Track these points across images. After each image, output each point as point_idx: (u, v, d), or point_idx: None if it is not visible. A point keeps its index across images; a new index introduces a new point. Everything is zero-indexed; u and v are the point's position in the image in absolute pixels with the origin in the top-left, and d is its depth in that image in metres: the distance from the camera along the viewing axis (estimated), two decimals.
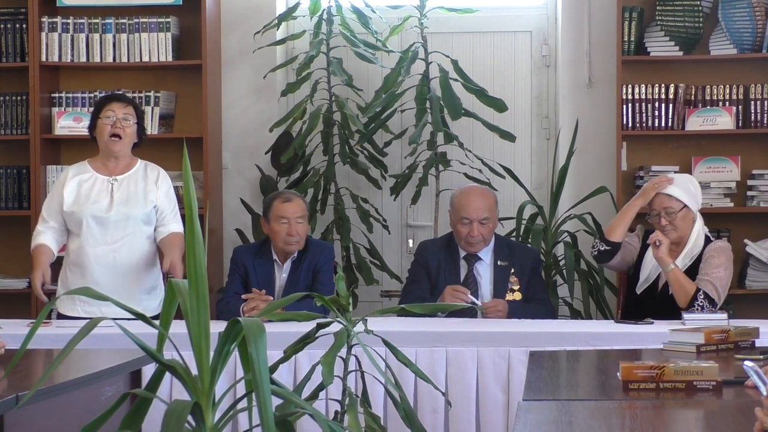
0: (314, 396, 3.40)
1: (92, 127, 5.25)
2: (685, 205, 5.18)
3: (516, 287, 5.33)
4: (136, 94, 6.28)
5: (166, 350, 2.67)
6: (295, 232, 5.27)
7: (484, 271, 5.38)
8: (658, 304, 5.14)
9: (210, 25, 6.30)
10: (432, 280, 5.38)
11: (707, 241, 5.25)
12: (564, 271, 6.07)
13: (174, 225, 5.22)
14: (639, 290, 5.25)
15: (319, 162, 6.41)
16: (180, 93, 6.50)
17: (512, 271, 5.36)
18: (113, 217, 5.14)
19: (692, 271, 5.17)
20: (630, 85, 6.20)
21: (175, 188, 5.47)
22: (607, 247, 5.27)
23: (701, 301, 5.02)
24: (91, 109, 6.23)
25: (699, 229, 5.24)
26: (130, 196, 5.18)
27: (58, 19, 6.32)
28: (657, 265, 5.22)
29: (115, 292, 4.80)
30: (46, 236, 5.16)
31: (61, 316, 5.17)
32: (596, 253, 5.32)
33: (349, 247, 6.30)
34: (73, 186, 5.17)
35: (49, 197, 5.29)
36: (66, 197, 5.15)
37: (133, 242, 5.16)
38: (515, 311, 5.23)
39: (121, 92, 6.08)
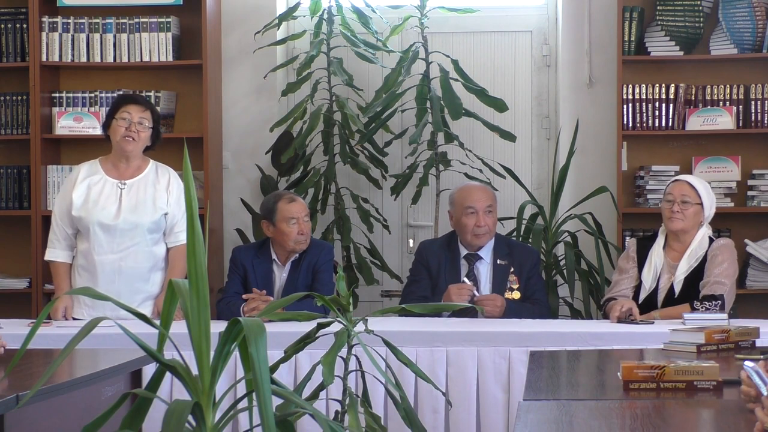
0: (315, 396, 3.40)
1: (107, 125, 5.24)
2: (701, 204, 5.19)
3: (515, 286, 5.33)
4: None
5: (166, 350, 2.67)
6: (304, 230, 5.30)
7: (485, 270, 5.38)
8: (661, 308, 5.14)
9: (210, 25, 6.30)
10: (433, 279, 5.39)
11: (710, 241, 5.25)
12: (564, 271, 6.07)
13: (185, 234, 5.18)
14: (640, 300, 5.22)
15: (319, 162, 6.41)
16: (180, 93, 6.50)
17: (512, 270, 5.36)
18: (120, 226, 5.12)
19: (697, 273, 5.16)
20: (630, 85, 6.20)
21: None
22: None
23: (704, 306, 5.01)
24: (92, 109, 6.26)
25: (704, 232, 5.24)
26: (139, 203, 5.16)
27: (59, 19, 6.32)
28: (655, 275, 5.21)
29: (120, 299, 4.80)
30: (61, 250, 5.19)
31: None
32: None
33: (349, 247, 6.30)
34: (82, 189, 5.17)
35: (60, 197, 5.28)
36: (75, 200, 5.15)
37: (139, 251, 5.15)
38: (511, 310, 5.23)
39: (139, 94, 6.05)
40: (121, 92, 6.18)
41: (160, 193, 5.20)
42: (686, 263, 5.18)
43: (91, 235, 5.12)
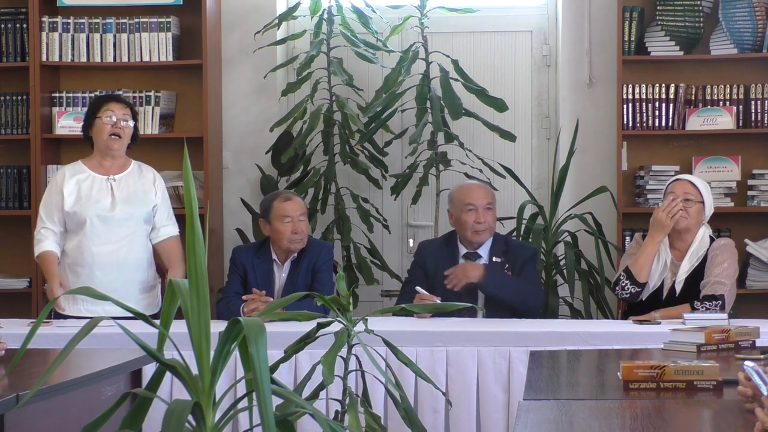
0: (315, 396, 3.40)
1: (87, 126, 5.25)
2: (703, 202, 5.19)
3: None
4: (136, 94, 6.28)
5: (166, 350, 2.67)
6: (299, 229, 5.30)
7: None
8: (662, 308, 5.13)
9: (210, 24, 6.30)
10: (429, 279, 5.38)
11: (710, 241, 5.24)
12: (564, 270, 6.06)
13: (170, 228, 5.29)
14: (644, 298, 5.22)
15: (319, 162, 6.41)
16: (180, 93, 6.50)
17: (506, 266, 5.36)
18: (117, 216, 5.15)
19: (698, 272, 5.16)
20: (630, 85, 6.20)
21: (176, 188, 5.48)
22: (638, 289, 5.18)
23: (704, 306, 5.00)
24: None
25: (705, 231, 5.24)
26: (131, 194, 5.20)
27: (59, 19, 6.32)
28: (662, 273, 5.20)
29: (115, 290, 4.84)
30: (49, 241, 5.16)
31: (61, 316, 5.16)
32: (627, 295, 5.18)
33: (349, 246, 6.30)
34: (72, 186, 5.18)
35: (47, 198, 5.27)
36: (66, 197, 5.15)
37: (135, 241, 5.18)
38: (491, 273, 5.21)
39: (117, 93, 6.08)
40: (116, 93, 6.17)
41: (149, 187, 5.25)
42: (688, 263, 5.18)
43: (87, 228, 5.12)
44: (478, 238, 5.37)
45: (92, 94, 6.35)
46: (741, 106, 6.21)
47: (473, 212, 5.36)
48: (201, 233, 2.61)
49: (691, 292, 5.13)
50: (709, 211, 5.26)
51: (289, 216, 5.30)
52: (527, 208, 6.25)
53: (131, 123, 5.22)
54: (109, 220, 5.14)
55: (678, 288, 5.17)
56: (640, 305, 5.19)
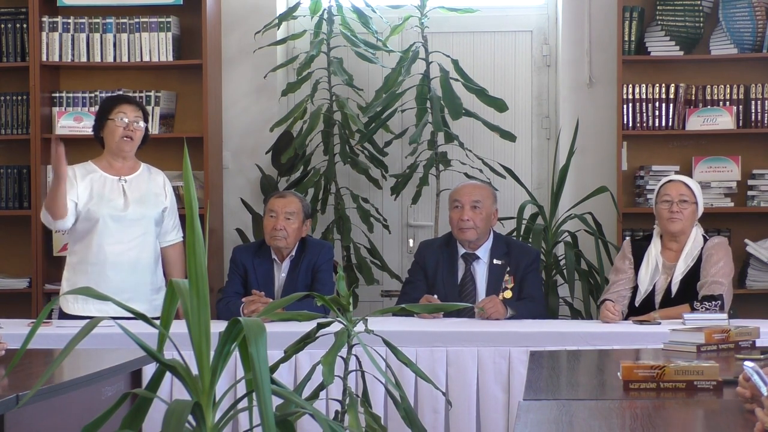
0: (315, 396, 3.40)
1: (99, 127, 5.24)
2: (696, 203, 5.19)
3: (509, 285, 5.30)
4: (136, 94, 6.28)
5: (166, 350, 2.67)
6: (281, 226, 5.26)
7: (481, 270, 5.37)
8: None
9: (210, 24, 6.30)
10: (429, 279, 5.38)
11: (703, 240, 5.25)
12: (564, 270, 6.07)
13: (175, 234, 5.31)
14: (637, 303, 5.22)
15: (319, 162, 6.41)
16: (180, 93, 6.50)
17: (508, 269, 5.35)
18: (130, 216, 5.15)
19: (694, 272, 5.16)
20: (630, 85, 6.20)
21: (176, 188, 5.48)
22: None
23: (704, 307, 5.00)
24: (92, 108, 6.25)
25: (697, 231, 5.25)
26: (143, 195, 5.20)
27: (59, 19, 6.32)
28: (653, 277, 5.20)
29: (127, 290, 4.86)
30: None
31: (66, 316, 5.14)
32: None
33: (349, 246, 6.30)
34: (86, 183, 5.17)
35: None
36: (81, 193, 5.14)
37: (146, 241, 5.19)
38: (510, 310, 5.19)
39: (127, 93, 6.07)
40: (127, 94, 6.16)
41: (159, 190, 5.26)
42: (683, 263, 5.18)
43: (99, 227, 5.12)
44: (462, 236, 5.35)
45: (92, 94, 6.35)
46: (741, 106, 6.22)
47: (458, 209, 5.35)
48: (201, 233, 2.61)
49: (687, 293, 5.13)
50: (701, 210, 5.27)
51: (274, 211, 5.30)
52: (527, 208, 6.25)
53: (143, 125, 5.21)
54: (122, 219, 5.15)
55: (674, 289, 5.16)
56: (637, 309, 5.19)
